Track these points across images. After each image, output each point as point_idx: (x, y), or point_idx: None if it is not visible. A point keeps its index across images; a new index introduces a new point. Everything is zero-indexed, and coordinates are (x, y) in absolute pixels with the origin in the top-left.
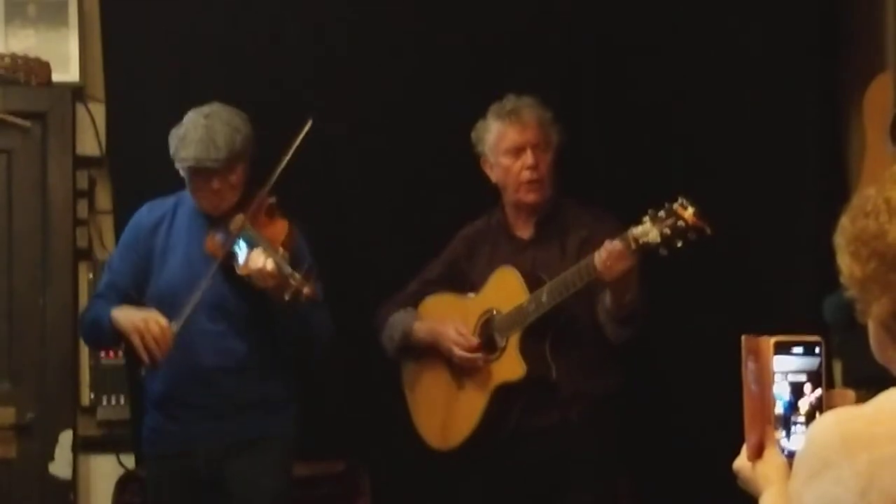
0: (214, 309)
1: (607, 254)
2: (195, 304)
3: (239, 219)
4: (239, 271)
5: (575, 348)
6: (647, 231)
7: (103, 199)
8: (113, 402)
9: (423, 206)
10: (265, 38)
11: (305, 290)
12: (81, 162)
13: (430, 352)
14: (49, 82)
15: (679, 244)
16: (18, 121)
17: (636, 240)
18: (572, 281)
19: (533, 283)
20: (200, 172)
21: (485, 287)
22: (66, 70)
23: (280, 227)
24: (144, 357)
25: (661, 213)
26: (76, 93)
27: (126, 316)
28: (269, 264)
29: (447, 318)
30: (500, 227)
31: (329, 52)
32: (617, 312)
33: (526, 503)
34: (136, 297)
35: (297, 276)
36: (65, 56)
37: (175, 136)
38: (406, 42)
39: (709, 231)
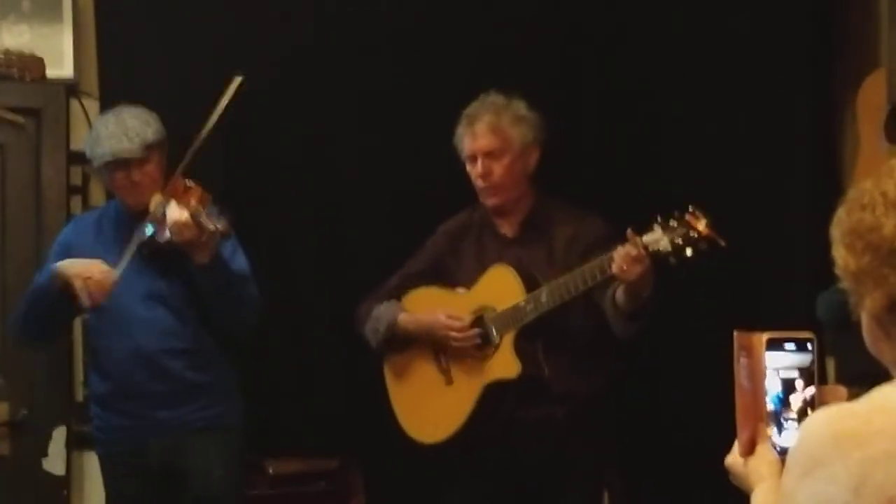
0: (149, 297)
1: (621, 259)
2: (130, 257)
3: (156, 197)
4: (164, 237)
5: (566, 349)
6: (658, 239)
7: (97, 195)
8: None
9: (421, 204)
10: (260, 34)
11: (219, 226)
12: (75, 158)
13: (416, 345)
14: (43, 78)
15: (689, 254)
16: (12, 117)
17: (646, 247)
18: (575, 284)
19: (528, 282)
20: (119, 166)
21: (478, 283)
22: (61, 66)
23: (193, 193)
24: (86, 300)
25: (672, 222)
26: (70, 89)
27: (68, 264)
28: (184, 215)
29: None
30: (484, 224)
31: (327, 49)
32: (630, 309)
33: (515, 497)
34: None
35: (210, 219)
36: (59, 52)
37: (88, 141)
38: (406, 39)
39: (723, 243)
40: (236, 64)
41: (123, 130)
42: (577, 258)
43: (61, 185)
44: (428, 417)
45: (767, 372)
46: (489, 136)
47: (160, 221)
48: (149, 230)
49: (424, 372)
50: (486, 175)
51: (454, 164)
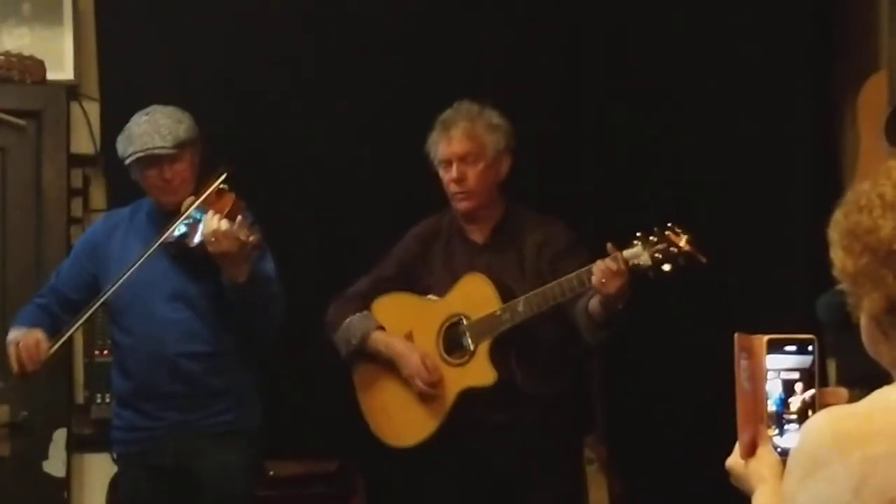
0: (175, 298)
1: (601, 273)
2: (106, 297)
3: (188, 200)
4: (195, 241)
5: (537, 356)
6: (639, 254)
7: (97, 197)
8: (107, 400)
9: (422, 205)
10: (261, 35)
11: (252, 238)
12: (76, 160)
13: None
14: (43, 80)
15: (667, 269)
16: (13, 119)
17: (626, 262)
18: (553, 295)
19: (503, 291)
20: (151, 163)
21: (451, 291)
22: (61, 68)
23: (227, 200)
24: (14, 366)
25: (653, 238)
26: (71, 91)
27: (16, 330)
28: (224, 224)
29: (407, 326)
30: (453, 230)
31: (327, 49)
32: (603, 319)
33: (488, 498)
34: (77, 301)
35: (245, 230)
36: (59, 54)
37: (120, 140)
38: (406, 40)
39: (703, 260)
40: (233, 65)
41: (155, 128)
42: (546, 264)
43: (62, 188)
44: (399, 422)
45: (768, 374)
46: (465, 142)
47: (192, 225)
48: (179, 231)
49: (395, 378)
50: (460, 179)
51: None
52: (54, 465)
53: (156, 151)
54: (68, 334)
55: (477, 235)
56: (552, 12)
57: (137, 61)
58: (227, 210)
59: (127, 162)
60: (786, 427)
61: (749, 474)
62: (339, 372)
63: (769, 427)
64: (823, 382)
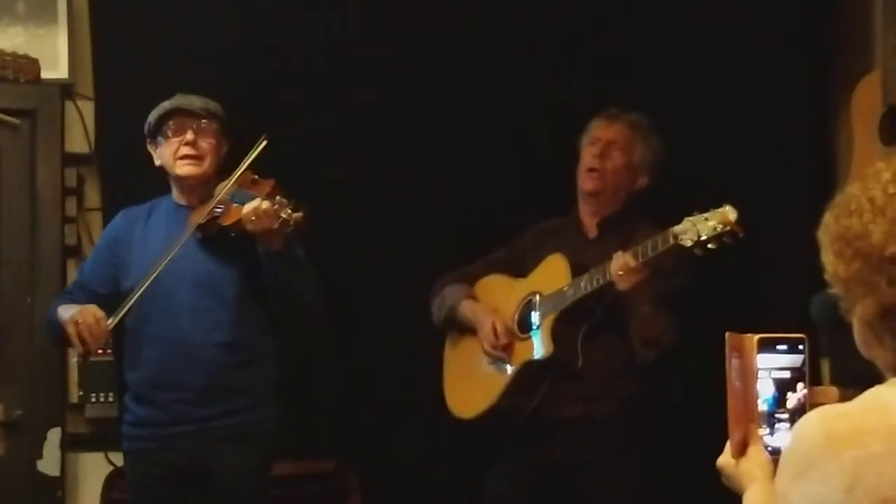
0: (199, 286)
1: (615, 265)
2: (147, 286)
3: (222, 185)
4: (227, 221)
5: (608, 344)
6: (686, 230)
7: (92, 196)
8: (101, 399)
9: (420, 206)
10: (257, 35)
11: (296, 215)
12: (70, 159)
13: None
14: (38, 79)
15: (712, 247)
16: (7, 118)
17: (675, 236)
18: (603, 273)
19: (579, 271)
20: (178, 119)
21: (534, 272)
22: (55, 67)
23: (266, 184)
24: (77, 346)
25: (704, 216)
26: (65, 90)
27: (66, 310)
28: (265, 203)
29: (494, 304)
30: (572, 224)
31: (328, 49)
32: (639, 328)
33: (553, 492)
34: (104, 296)
35: (288, 209)
36: (54, 53)
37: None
38: (406, 42)
39: (741, 234)
40: (230, 65)
41: (189, 97)
42: None
43: (56, 187)
44: (466, 392)
45: (759, 373)
46: (621, 131)
47: (226, 206)
48: (213, 212)
49: (473, 348)
50: (601, 156)
51: (454, 167)
52: (48, 464)
53: (184, 105)
54: (125, 309)
55: (591, 230)
56: (552, 12)
57: (132, 60)
58: (265, 192)
59: (155, 118)
60: (776, 426)
61: (740, 474)
62: (336, 372)
63: (760, 426)
64: (815, 382)
